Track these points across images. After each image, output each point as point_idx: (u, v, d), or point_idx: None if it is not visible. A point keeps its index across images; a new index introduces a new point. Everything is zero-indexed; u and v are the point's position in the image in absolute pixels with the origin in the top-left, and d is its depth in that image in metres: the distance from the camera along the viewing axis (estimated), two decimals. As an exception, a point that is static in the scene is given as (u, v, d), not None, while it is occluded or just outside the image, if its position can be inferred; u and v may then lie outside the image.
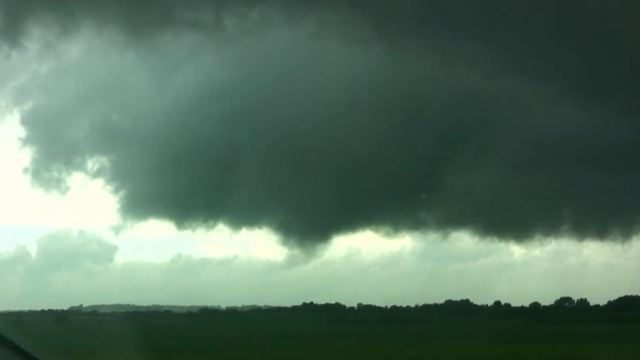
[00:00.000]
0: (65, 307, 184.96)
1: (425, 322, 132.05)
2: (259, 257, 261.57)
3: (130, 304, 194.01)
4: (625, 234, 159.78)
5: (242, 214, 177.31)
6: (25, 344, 7.74)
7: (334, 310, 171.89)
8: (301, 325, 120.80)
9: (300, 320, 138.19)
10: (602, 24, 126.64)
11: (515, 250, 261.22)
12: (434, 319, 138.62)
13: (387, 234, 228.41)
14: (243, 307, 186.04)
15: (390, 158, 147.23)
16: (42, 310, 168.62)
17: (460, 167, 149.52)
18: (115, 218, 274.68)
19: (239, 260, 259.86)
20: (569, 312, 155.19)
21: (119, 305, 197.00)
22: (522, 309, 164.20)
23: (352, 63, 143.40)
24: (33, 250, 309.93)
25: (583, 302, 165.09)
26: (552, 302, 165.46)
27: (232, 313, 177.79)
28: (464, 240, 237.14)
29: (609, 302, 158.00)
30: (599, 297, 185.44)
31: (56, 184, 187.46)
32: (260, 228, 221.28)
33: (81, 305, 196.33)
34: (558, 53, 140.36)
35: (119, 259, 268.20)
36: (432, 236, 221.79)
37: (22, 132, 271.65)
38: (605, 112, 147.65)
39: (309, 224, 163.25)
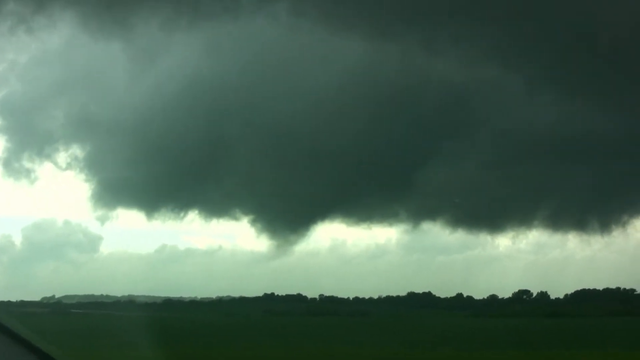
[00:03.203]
0: (38, 298, 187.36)
1: (362, 315, 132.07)
2: (233, 248, 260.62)
3: (104, 294, 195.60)
4: (602, 227, 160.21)
5: (215, 205, 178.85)
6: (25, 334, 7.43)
7: (296, 301, 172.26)
8: (234, 316, 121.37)
9: (239, 311, 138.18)
10: (580, 14, 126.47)
11: (487, 243, 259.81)
12: (375, 312, 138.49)
13: (357, 225, 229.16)
14: (203, 298, 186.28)
15: (367, 148, 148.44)
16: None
17: (436, 160, 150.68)
18: (89, 207, 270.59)
19: (215, 250, 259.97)
20: (526, 305, 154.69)
21: (92, 296, 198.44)
22: (480, 301, 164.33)
23: (331, 51, 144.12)
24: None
25: (543, 295, 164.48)
26: (510, 295, 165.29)
27: (193, 304, 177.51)
28: (434, 232, 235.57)
29: (566, 295, 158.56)
30: (562, 290, 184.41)
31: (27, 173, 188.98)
32: (235, 219, 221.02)
33: (53, 296, 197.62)
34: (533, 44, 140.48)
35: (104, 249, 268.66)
36: (402, 228, 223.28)
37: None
38: (582, 106, 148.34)
39: (282, 214, 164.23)
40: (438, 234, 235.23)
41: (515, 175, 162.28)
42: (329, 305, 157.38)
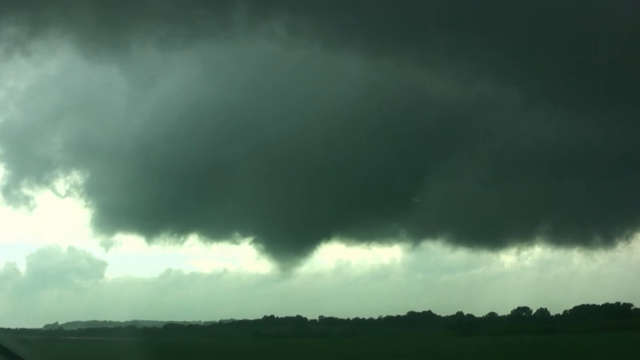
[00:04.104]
0: (41, 326, 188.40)
1: (352, 335, 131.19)
2: (238, 271, 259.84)
3: (108, 320, 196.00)
4: (605, 241, 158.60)
5: (217, 228, 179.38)
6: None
7: (295, 323, 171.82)
8: (226, 340, 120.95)
9: (234, 335, 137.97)
10: (579, 27, 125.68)
11: (490, 260, 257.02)
12: (367, 332, 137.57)
13: (357, 245, 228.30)
14: (204, 322, 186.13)
15: (365, 167, 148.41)
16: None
17: (434, 177, 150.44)
18: (89, 233, 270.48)
19: (220, 274, 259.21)
20: (525, 322, 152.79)
21: (95, 322, 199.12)
22: (480, 319, 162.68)
23: (328, 69, 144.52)
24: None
25: (543, 311, 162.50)
26: (509, 312, 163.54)
27: (194, 328, 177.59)
28: (436, 251, 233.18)
29: (565, 311, 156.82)
30: (563, 306, 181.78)
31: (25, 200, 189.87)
32: (237, 242, 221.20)
33: (56, 323, 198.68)
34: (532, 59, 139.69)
35: (108, 275, 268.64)
36: (402, 247, 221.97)
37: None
38: (582, 119, 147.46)
39: (284, 236, 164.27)
40: (440, 253, 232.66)
41: (516, 191, 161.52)
42: (322, 327, 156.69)
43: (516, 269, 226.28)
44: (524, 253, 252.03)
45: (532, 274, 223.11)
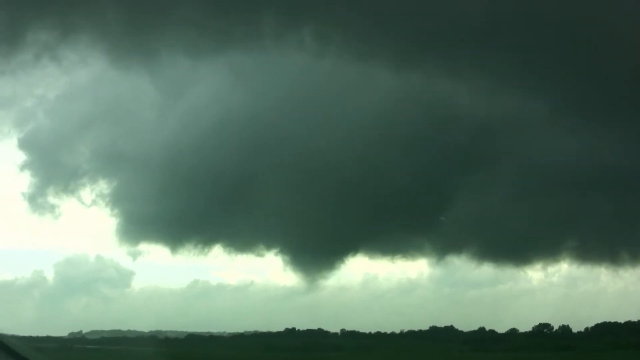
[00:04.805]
0: (65, 334, 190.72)
1: (365, 349, 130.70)
2: (265, 283, 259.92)
3: (131, 329, 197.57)
4: (632, 258, 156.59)
5: (244, 240, 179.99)
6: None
7: (316, 336, 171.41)
8: (238, 352, 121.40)
9: (246, 347, 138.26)
10: (604, 39, 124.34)
11: (515, 276, 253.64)
12: (382, 346, 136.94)
13: (380, 259, 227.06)
14: (228, 334, 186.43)
15: (393, 181, 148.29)
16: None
17: (460, 191, 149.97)
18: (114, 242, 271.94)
19: (247, 285, 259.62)
20: (545, 338, 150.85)
21: (119, 331, 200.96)
22: (501, 335, 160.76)
23: (356, 81, 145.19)
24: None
25: (565, 328, 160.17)
26: (530, 329, 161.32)
27: (216, 339, 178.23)
28: (458, 266, 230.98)
29: (586, 329, 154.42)
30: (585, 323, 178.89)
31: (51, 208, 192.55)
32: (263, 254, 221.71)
33: (80, 331, 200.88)
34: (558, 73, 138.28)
35: (135, 284, 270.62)
36: (427, 261, 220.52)
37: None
38: (609, 135, 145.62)
39: (311, 249, 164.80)
40: (465, 268, 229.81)
41: (542, 207, 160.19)
42: (338, 341, 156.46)
43: (542, 285, 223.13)
44: (550, 269, 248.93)
45: (558, 290, 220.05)
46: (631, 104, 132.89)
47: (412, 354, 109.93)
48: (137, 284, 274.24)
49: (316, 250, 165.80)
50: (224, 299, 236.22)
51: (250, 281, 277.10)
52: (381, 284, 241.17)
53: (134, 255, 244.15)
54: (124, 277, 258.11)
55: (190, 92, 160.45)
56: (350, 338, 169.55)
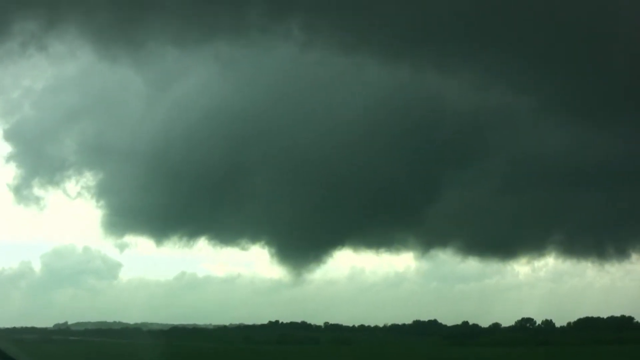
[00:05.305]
0: (51, 325, 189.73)
1: (342, 343, 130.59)
2: (252, 276, 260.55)
3: (117, 321, 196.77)
4: (618, 253, 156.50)
5: (232, 232, 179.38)
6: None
7: (300, 329, 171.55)
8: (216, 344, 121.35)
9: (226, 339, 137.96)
10: (594, 33, 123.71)
11: (502, 271, 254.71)
12: (360, 340, 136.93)
13: (366, 252, 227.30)
14: (214, 326, 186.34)
15: (380, 175, 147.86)
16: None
17: (448, 187, 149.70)
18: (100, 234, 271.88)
19: (234, 278, 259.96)
20: (528, 333, 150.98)
21: (104, 323, 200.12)
22: (484, 330, 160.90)
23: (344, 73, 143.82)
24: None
25: (548, 323, 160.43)
26: (513, 323, 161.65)
27: (198, 331, 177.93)
28: (444, 260, 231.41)
29: (568, 323, 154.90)
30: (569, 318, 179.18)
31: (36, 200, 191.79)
32: (251, 246, 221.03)
33: (65, 323, 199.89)
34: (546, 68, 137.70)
35: (123, 276, 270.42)
36: (412, 255, 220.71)
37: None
38: (597, 130, 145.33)
39: (298, 242, 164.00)
40: (450, 262, 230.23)
41: (528, 201, 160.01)
42: (315, 334, 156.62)
43: (528, 280, 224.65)
44: (536, 264, 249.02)
45: (544, 285, 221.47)
46: (620, 100, 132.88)
47: (388, 349, 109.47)
48: (125, 275, 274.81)
49: (303, 244, 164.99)
50: (210, 291, 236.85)
51: (237, 274, 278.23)
52: (370, 278, 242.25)
53: (121, 247, 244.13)
54: (112, 269, 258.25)
55: (177, 84, 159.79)
56: (333, 331, 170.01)
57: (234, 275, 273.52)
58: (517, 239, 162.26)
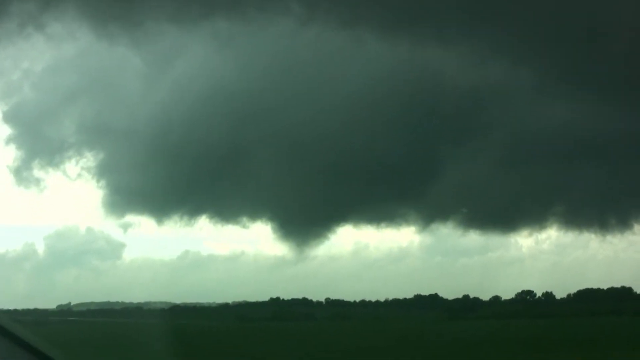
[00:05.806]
0: (54, 306, 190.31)
1: (341, 318, 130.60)
2: (256, 254, 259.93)
3: (120, 301, 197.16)
4: (621, 225, 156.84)
5: (235, 210, 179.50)
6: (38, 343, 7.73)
7: (301, 305, 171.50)
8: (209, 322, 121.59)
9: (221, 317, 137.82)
10: (595, 9, 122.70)
11: (505, 244, 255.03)
12: (358, 315, 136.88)
13: (367, 227, 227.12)
14: (217, 304, 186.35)
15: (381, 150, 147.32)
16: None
17: (449, 162, 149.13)
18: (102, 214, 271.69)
19: (237, 256, 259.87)
20: (528, 305, 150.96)
21: (107, 303, 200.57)
22: (485, 302, 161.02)
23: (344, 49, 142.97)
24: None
25: (548, 295, 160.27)
26: (513, 296, 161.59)
27: (199, 310, 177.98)
28: (445, 233, 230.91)
29: (569, 295, 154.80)
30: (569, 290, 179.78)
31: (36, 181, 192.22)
32: (253, 224, 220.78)
33: (69, 303, 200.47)
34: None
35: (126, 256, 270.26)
36: (412, 229, 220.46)
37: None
38: (598, 103, 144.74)
39: (299, 220, 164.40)
40: (452, 236, 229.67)
41: (529, 175, 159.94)
42: (310, 310, 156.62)
43: (530, 252, 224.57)
44: (539, 236, 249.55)
45: (546, 257, 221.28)
46: (620, 73, 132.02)
47: (384, 323, 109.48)
48: (128, 255, 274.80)
49: (305, 220, 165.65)
50: (214, 269, 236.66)
51: (241, 251, 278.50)
52: (370, 253, 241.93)
53: (125, 227, 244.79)
54: (115, 249, 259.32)
55: (176, 63, 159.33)
56: (333, 307, 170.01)
57: (237, 252, 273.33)
58: (518, 211, 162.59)
